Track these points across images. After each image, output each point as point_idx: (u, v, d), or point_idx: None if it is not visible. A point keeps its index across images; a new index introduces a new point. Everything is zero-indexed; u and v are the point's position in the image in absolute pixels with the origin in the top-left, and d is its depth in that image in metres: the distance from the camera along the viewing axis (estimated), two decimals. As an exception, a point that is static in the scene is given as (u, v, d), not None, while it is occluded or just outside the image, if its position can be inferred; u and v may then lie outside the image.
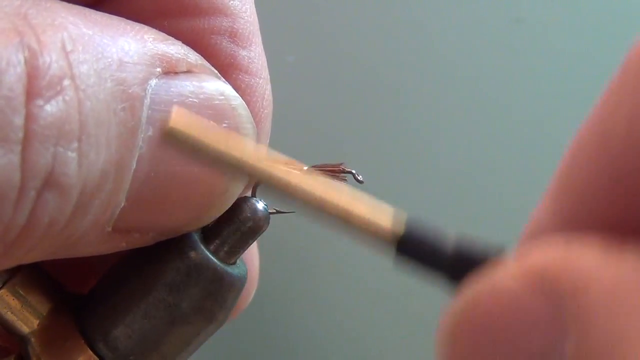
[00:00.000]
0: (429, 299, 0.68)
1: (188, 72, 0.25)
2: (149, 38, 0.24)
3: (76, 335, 0.28)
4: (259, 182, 0.22)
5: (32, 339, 0.28)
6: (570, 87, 0.71)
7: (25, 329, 0.28)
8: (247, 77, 0.27)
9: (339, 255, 0.67)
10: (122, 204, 0.24)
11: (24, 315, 0.28)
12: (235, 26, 0.28)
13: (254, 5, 0.29)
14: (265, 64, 0.29)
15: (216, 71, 0.27)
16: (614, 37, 0.70)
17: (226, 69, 0.28)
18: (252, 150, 0.21)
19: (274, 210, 0.30)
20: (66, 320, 0.28)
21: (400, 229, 0.20)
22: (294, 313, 0.67)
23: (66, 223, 0.23)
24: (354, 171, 0.29)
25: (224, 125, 0.25)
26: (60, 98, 0.21)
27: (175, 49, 0.25)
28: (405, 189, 0.69)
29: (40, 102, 0.21)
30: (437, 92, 0.70)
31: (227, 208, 0.28)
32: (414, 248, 0.20)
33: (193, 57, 0.26)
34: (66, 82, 0.21)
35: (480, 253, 0.19)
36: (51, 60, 0.21)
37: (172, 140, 0.20)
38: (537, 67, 0.70)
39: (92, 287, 0.30)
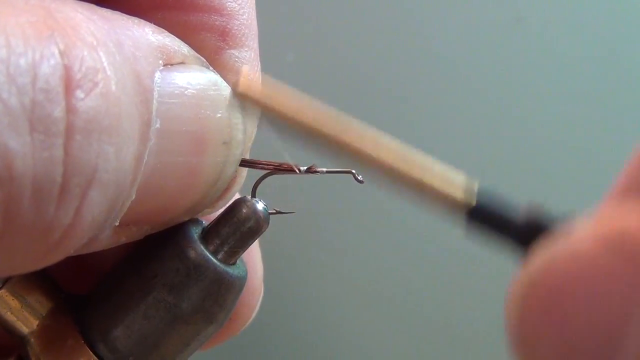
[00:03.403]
0: (428, 300, 0.68)
1: (182, 63, 0.26)
2: (149, 31, 0.25)
3: (76, 336, 0.28)
4: (331, 146, 0.21)
5: (32, 339, 0.28)
6: (570, 86, 0.70)
7: (25, 330, 0.28)
8: (230, 75, 0.28)
9: (339, 255, 0.67)
10: (133, 197, 0.24)
11: (23, 315, 0.28)
12: (228, 26, 0.28)
13: (254, 11, 0.29)
14: (258, 68, 0.29)
15: (206, 62, 0.27)
16: (614, 37, 0.70)
17: (211, 65, 0.28)
18: (324, 113, 0.20)
19: (274, 211, 0.30)
20: (66, 320, 0.28)
21: (472, 198, 0.20)
22: (294, 313, 0.67)
23: (102, 220, 0.23)
24: (353, 171, 0.29)
25: (218, 115, 0.26)
26: (98, 91, 0.21)
27: (171, 41, 0.26)
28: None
29: (80, 94, 0.21)
30: (438, 91, 0.70)
31: (216, 197, 0.28)
32: (485, 216, 0.20)
33: (185, 48, 0.26)
34: (100, 75, 0.21)
35: (550, 220, 0.19)
36: (84, 54, 0.21)
37: (244, 100, 0.21)
38: (537, 66, 0.70)
39: (91, 287, 0.30)
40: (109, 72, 0.22)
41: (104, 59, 0.22)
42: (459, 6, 0.70)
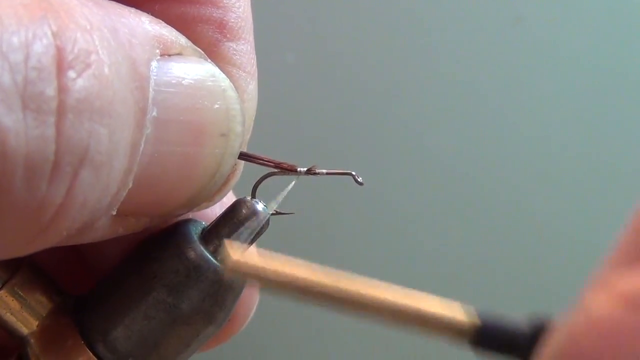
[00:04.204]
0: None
1: (179, 54, 0.26)
2: (145, 20, 0.25)
3: (76, 336, 0.28)
4: (330, 299, 0.22)
5: (32, 340, 0.28)
6: (570, 86, 0.70)
7: (24, 330, 0.28)
8: (228, 67, 0.28)
9: (338, 256, 0.67)
10: (130, 186, 0.24)
11: (23, 316, 0.28)
12: (225, 18, 0.28)
13: (249, 4, 0.29)
14: (254, 61, 0.29)
15: (204, 54, 0.27)
16: (613, 37, 0.70)
17: (209, 57, 0.28)
18: (312, 270, 0.21)
19: (274, 212, 0.30)
20: (66, 321, 0.28)
21: (474, 322, 0.21)
22: (292, 314, 0.67)
23: (95, 202, 0.23)
24: (354, 173, 0.29)
25: (216, 106, 0.26)
26: (90, 72, 0.21)
27: (168, 31, 0.26)
28: (405, 189, 0.69)
29: (72, 74, 0.21)
30: (438, 91, 0.70)
31: (215, 190, 0.28)
32: (491, 339, 0.21)
33: (183, 40, 0.26)
34: (93, 57, 0.22)
35: (551, 323, 0.20)
36: (77, 36, 0.21)
37: (235, 272, 0.21)
38: (537, 66, 0.70)
39: (92, 288, 0.30)
40: (102, 55, 0.22)
41: (97, 42, 0.22)
42: (459, 6, 0.70)
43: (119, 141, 0.23)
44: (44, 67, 0.20)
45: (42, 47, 0.20)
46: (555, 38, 0.70)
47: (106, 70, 0.22)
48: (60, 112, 0.21)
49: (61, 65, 0.21)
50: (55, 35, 0.21)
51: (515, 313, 0.21)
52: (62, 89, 0.21)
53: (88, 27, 0.22)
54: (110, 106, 0.22)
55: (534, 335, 0.20)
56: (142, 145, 0.24)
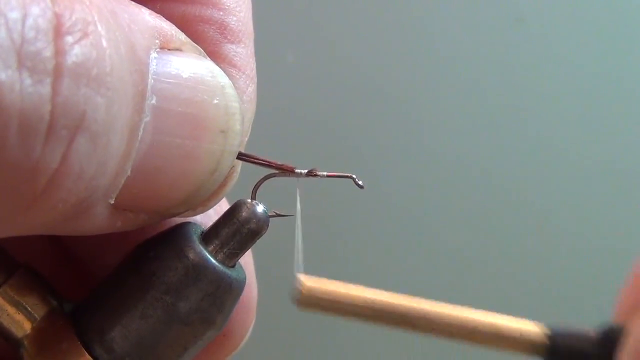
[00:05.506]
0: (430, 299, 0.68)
1: (179, 49, 0.26)
2: (146, 12, 0.25)
3: (72, 338, 0.27)
4: (404, 319, 0.23)
5: (26, 342, 0.28)
6: (570, 85, 0.70)
7: (18, 333, 0.28)
8: (228, 67, 0.28)
9: (339, 257, 0.67)
10: (128, 173, 0.24)
11: (17, 319, 0.28)
12: (226, 20, 0.28)
13: (250, 12, 0.29)
14: (254, 65, 0.29)
15: (203, 52, 0.27)
16: (614, 37, 0.70)
17: (209, 56, 0.28)
18: (383, 293, 0.23)
19: (274, 213, 0.30)
20: (61, 323, 0.28)
21: (546, 337, 0.22)
22: (292, 316, 0.67)
23: (91, 177, 0.22)
24: (354, 176, 0.29)
25: (215, 102, 0.26)
26: (88, 41, 0.21)
27: (168, 26, 0.26)
28: (405, 189, 0.69)
29: (69, 39, 0.21)
30: (438, 92, 0.70)
31: (213, 189, 0.28)
32: (564, 350, 0.21)
33: (182, 36, 0.26)
34: (91, 28, 0.22)
35: (619, 332, 0.21)
36: (75, 6, 0.21)
37: (307, 303, 0.22)
38: (537, 66, 0.70)
39: (89, 293, 0.30)
40: (100, 29, 0.22)
41: (96, 17, 0.22)
42: (460, 6, 0.70)
43: (116, 116, 0.22)
44: (41, 28, 0.20)
45: (39, 10, 0.20)
46: (555, 38, 0.70)
47: (104, 42, 0.22)
48: (57, 73, 0.21)
49: (59, 30, 0.21)
50: (53, 2, 0.21)
51: (583, 323, 0.22)
52: (58, 52, 0.21)
53: (87, 3, 0.22)
54: (108, 78, 0.22)
55: (606, 344, 0.21)
56: (141, 132, 0.24)
